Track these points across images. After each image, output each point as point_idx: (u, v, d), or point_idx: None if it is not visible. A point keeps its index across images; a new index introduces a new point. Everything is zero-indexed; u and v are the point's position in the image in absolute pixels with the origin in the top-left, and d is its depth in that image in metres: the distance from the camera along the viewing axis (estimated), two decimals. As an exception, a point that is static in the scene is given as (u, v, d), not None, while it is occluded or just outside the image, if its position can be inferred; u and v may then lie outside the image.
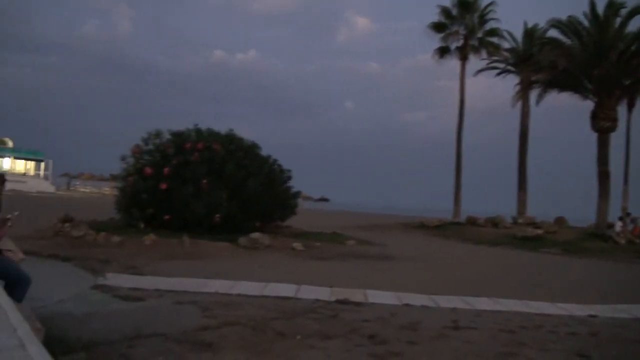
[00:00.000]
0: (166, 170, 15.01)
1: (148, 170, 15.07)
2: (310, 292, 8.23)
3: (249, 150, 16.88)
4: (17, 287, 4.71)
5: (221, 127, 17.18)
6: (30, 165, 65.47)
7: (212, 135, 16.59)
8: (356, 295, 8.15)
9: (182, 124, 17.51)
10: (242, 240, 13.80)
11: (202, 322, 5.84)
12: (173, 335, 5.20)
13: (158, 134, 16.34)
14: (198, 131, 16.65)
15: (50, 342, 3.81)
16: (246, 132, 17.51)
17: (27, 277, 5.03)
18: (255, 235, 14.07)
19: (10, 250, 5.20)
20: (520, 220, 27.61)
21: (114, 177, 77.92)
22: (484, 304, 8.25)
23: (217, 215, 14.65)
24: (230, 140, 16.59)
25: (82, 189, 76.52)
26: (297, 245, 14.29)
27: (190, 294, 7.68)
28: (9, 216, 5.34)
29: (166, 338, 5.08)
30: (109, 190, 73.21)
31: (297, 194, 18.87)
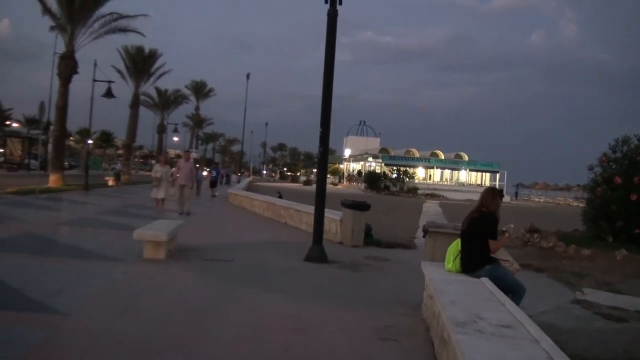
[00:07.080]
0: (636, 179, 13.74)
1: (617, 179, 14.12)
2: None
3: None
4: (513, 296, 4.94)
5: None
6: (485, 176, 70.18)
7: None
8: None
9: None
10: None
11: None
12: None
13: (626, 141, 15.10)
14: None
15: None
16: None
17: (523, 287, 5.26)
18: None
19: (506, 261, 5.64)
20: None
21: (568, 187, 75.70)
22: None
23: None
24: None
25: (537, 199, 77.65)
26: None
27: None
28: (505, 228, 5.84)
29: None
30: (563, 200, 71.80)
31: None
